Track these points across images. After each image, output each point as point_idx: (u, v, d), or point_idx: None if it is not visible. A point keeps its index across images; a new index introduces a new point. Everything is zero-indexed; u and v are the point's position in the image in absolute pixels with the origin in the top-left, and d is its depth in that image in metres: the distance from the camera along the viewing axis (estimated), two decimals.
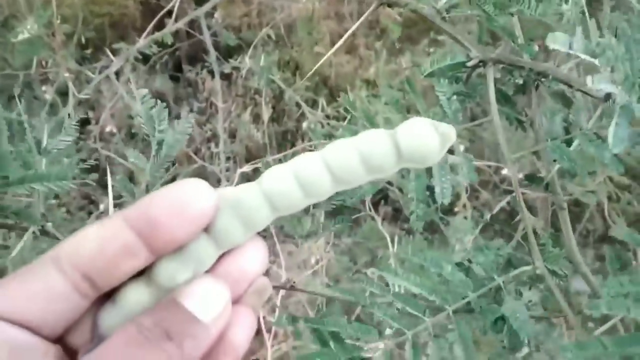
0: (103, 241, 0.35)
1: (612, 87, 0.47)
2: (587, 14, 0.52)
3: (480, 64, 0.63)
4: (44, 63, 2.16)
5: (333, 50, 0.69)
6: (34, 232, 0.56)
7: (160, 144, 0.58)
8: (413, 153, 0.35)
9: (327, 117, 2.41)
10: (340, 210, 0.79)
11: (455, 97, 0.61)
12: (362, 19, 0.68)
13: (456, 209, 2.04)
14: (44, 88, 2.02)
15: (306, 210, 0.73)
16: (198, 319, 0.35)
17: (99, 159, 2.23)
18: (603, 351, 0.40)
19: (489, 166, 2.25)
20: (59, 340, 0.37)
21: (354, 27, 0.68)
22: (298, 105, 2.35)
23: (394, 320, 0.49)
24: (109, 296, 0.37)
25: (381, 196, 2.28)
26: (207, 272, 0.37)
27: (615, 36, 0.47)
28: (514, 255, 0.57)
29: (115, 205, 0.72)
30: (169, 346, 0.34)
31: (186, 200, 0.35)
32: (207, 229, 0.36)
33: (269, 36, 2.37)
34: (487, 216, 1.89)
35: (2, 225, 0.53)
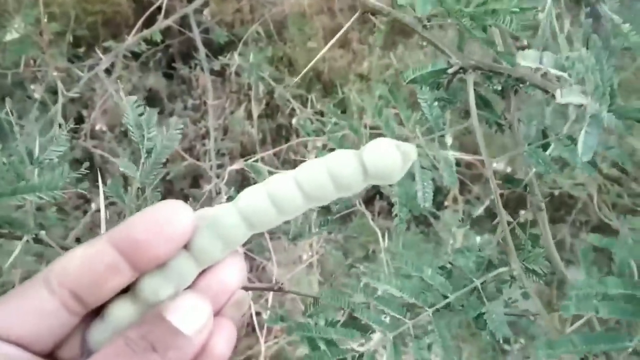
0: (89, 260, 0.38)
1: (581, 99, 0.49)
2: (557, 27, 0.53)
3: (461, 70, 0.65)
4: (33, 62, 2.16)
5: (325, 49, 0.71)
6: (27, 240, 0.58)
7: (149, 152, 0.60)
8: (378, 171, 0.38)
9: (319, 113, 2.42)
10: (332, 207, 0.81)
11: (436, 103, 0.62)
12: (349, 23, 0.70)
13: (446, 203, 2.06)
14: (33, 87, 2.02)
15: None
16: (182, 332, 0.38)
17: (93, 157, 2.24)
18: (572, 349, 0.42)
19: (481, 160, 2.26)
20: (50, 355, 0.39)
21: (344, 28, 0.70)
22: (290, 100, 2.36)
23: (375, 323, 0.51)
24: (97, 313, 0.39)
25: (376, 191, 2.29)
26: (188, 287, 0.39)
27: (586, 47, 0.49)
28: (495, 257, 0.59)
29: (108, 207, 0.74)
30: (154, 357, 0.37)
31: (165, 220, 0.38)
32: (187, 247, 0.39)
33: (258, 32, 2.38)
34: (477, 210, 1.91)
35: None
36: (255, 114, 2.49)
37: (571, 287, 0.43)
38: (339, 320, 0.57)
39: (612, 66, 0.48)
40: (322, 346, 0.52)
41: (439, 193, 2.43)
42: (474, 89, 0.65)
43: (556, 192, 2.09)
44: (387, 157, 0.38)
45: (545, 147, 0.60)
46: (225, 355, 0.40)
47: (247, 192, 0.40)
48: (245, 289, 0.58)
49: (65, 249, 0.61)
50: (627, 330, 0.44)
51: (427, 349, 0.50)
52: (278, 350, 2.10)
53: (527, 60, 0.51)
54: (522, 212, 0.61)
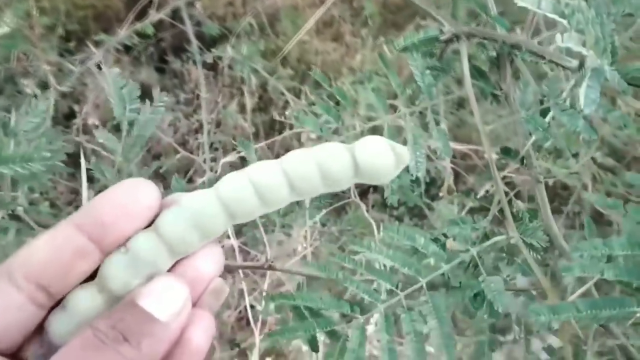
0: (55, 247, 0.36)
1: (581, 49, 0.47)
2: None
3: (454, 38, 0.63)
4: (24, 56, 2.13)
5: (308, 26, 0.69)
6: (2, 217, 0.55)
7: (131, 124, 0.57)
8: (369, 170, 0.36)
9: (313, 104, 2.40)
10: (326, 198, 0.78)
11: (428, 71, 0.60)
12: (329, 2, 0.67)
13: (441, 194, 2.04)
14: (25, 82, 1.99)
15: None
16: (156, 318, 0.35)
17: (86, 152, 2.21)
18: (577, 314, 0.40)
19: (476, 151, 2.25)
20: (15, 355, 0.37)
21: (327, 5, 0.68)
22: (283, 93, 2.34)
23: (366, 293, 0.49)
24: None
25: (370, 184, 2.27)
26: None
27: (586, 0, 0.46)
28: (491, 230, 0.57)
29: (94, 189, 0.71)
30: (125, 348, 0.34)
31: (129, 198, 0.36)
32: (162, 235, 0.37)
33: (251, 25, 2.36)
34: (470, 200, 1.89)
35: None
36: (248, 107, 2.47)
37: (574, 249, 0.41)
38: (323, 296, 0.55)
39: (612, 22, 0.46)
40: (309, 317, 0.49)
41: (434, 184, 2.41)
42: (468, 59, 0.62)
43: (550, 182, 2.08)
44: (381, 157, 0.36)
45: (543, 114, 0.58)
46: (204, 346, 0.37)
47: (229, 178, 0.37)
48: (237, 267, 0.56)
49: (43, 226, 0.59)
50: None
51: (420, 321, 0.48)
52: (272, 344, 2.08)
53: (525, 1, 0.49)
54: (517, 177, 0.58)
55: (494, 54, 0.63)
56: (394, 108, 0.66)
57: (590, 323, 0.40)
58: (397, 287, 0.50)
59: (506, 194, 0.56)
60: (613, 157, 2.02)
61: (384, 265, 0.52)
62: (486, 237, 0.55)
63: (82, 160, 0.60)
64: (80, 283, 0.37)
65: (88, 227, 0.36)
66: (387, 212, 2.42)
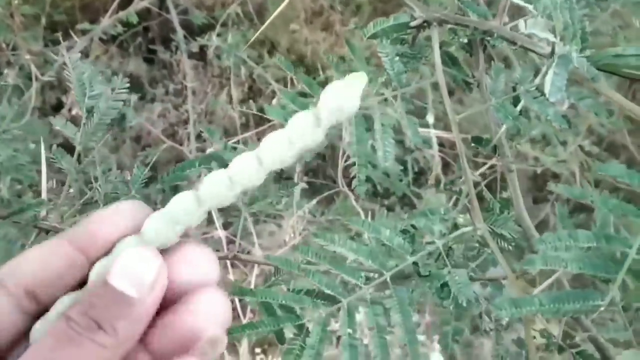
0: (45, 256, 0.36)
1: (547, 35, 0.45)
2: None
3: (425, 24, 0.61)
4: (6, 46, 2.10)
5: (278, 9, 0.67)
6: None
7: (90, 111, 0.55)
8: (330, 106, 0.38)
9: (302, 94, 2.37)
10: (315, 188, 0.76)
11: (398, 58, 0.58)
12: None
13: (429, 183, 2.03)
14: (6, 71, 1.97)
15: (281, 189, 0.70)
16: (129, 297, 0.34)
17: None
18: (539, 308, 0.38)
19: (465, 139, 2.23)
20: (3, 358, 0.36)
21: None
22: (271, 83, 2.32)
23: (328, 288, 0.47)
24: None
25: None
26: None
27: None
28: (466, 220, 0.55)
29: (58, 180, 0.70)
30: (100, 336, 0.33)
31: (118, 212, 0.38)
32: (144, 236, 0.37)
33: (238, 15, 2.33)
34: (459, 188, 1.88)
35: None
36: (235, 97, 2.45)
37: (539, 241, 0.40)
38: (301, 290, 0.53)
39: (584, 6, 0.45)
40: (279, 311, 0.48)
41: (423, 173, 2.40)
42: (440, 47, 0.61)
43: (539, 170, 2.07)
44: (335, 90, 0.38)
45: (516, 102, 0.56)
46: None
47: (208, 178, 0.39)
48: None
49: (3, 217, 0.57)
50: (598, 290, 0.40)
51: (384, 315, 0.47)
52: (262, 335, 2.07)
53: None
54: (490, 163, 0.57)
55: (465, 40, 0.61)
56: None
57: (555, 317, 0.38)
58: (361, 281, 0.48)
59: (477, 184, 0.55)
60: (600, 146, 2.02)
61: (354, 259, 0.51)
62: (456, 228, 0.53)
63: (42, 149, 0.58)
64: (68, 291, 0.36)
65: (77, 238, 0.37)
66: (377, 202, 2.41)
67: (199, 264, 0.37)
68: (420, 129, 0.62)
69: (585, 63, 0.45)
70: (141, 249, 0.35)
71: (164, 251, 0.37)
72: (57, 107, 2.41)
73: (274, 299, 0.48)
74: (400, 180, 2.21)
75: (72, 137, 0.54)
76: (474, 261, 0.57)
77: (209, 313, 0.37)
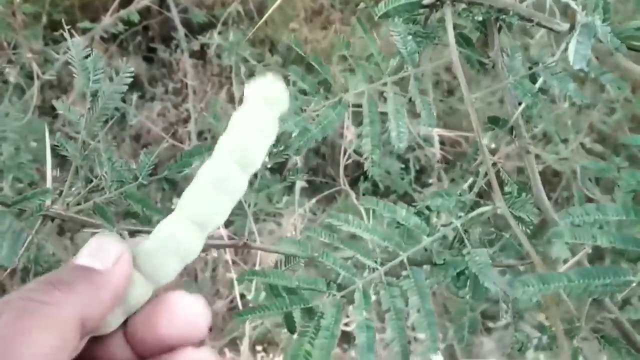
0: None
1: (571, 2, 0.44)
2: None
3: (438, 3, 0.60)
4: (7, 45, 2.09)
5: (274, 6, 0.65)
6: None
7: (94, 95, 0.54)
8: (259, 97, 0.36)
9: (302, 92, 2.36)
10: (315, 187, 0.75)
11: (410, 37, 0.57)
12: None
13: (431, 181, 2.02)
14: (7, 70, 1.95)
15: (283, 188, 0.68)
16: (92, 268, 0.32)
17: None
18: (568, 284, 0.37)
19: (466, 138, 2.22)
20: None
21: None
22: None
23: (343, 269, 0.46)
24: None
25: (360, 172, 2.25)
26: None
27: None
28: (477, 203, 0.53)
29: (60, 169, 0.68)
30: (58, 297, 0.30)
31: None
32: (140, 270, 0.35)
33: (239, 13, 2.32)
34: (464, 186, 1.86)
35: None
36: (236, 94, 2.44)
37: (566, 215, 0.38)
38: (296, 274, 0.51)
39: None
40: (285, 295, 0.46)
41: (424, 172, 2.39)
42: (454, 26, 0.59)
43: (540, 168, 2.06)
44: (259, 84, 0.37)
45: (532, 80, 0.54)
46: None
47: (189, 194, 0.37)
48: (211, 246, 0.53)
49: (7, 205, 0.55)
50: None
51: (401, 297, 0.45)
52: (263, 332, 2.06)
53: None
54: (497, 157, 0.55)
55: (480, 19, 0.60)
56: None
57: (583, 295, 0.37)
58: (377, 263, 0.47)
59: (494, 164, 0.53)
60: (602, 143, 2.00)
61: (369, 241, 0.49)
62: (472, 209, 0.51)
63: (47, 137, 0.56)
64: None
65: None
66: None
67: (189, 316, 0.35)
68: (422, 127, 0.61)
69: (608, 33, 0.43)
70: (104, 236, 0.34)
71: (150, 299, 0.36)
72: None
73: (287, 281, 0.46)
74: (402, 179, 2.19)
75: (76, 121, 0.53)
76: (491, 247, 0.55)
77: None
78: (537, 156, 2.03)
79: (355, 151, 2.06)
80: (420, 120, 0.57)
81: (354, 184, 2.33)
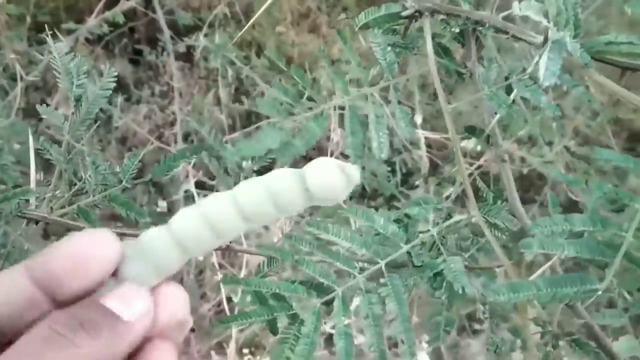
0: (7, 293, 0.34)
1: (541, 18, 0.45)
2: None
3: (417, 14, 0.61)
4: None
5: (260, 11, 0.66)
6: None
7: (78, 99, 0.54)
8: (320, 193, 0.36)
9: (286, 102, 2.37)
10: None
11: (390, 48, 0.58)
12: None
13: (417, 183, 2.03)
14: None
15: None
16: (117, 314, 0.33)
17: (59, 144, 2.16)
18: (537, 292, 0.38)
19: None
20: None
21: None
22: (258, 84, 2.32)
23: (322, 277, 0.47)
24: None
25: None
26: None
27: None
28: (453, 210, 0.55)
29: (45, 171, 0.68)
30: (82, 337, 0.31)
31: (86, 255, 0.34)
32: (117, 276, 0.35)
33: (226, 16, 2.32)
34: (447, 190, 1.88)
35: None
36: (223, 97, 2.44)
37: (535, 225, 0.39)
38: (295, 280, 0.52)
39: None
40: (272, 302, 0.47)
41: (411, 174, 2.40)
42: (433, 37, 0.60)
43: (525, 171, 2.08)
44: (331, 180, 0.36)
45: (508, 91, 0.56)
46: None
47: (181, 214, 0.37)
48: None
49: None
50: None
51: (379, 304, 0.46)
52: (250, 336, 2.06)
53: None
54: (482, 160, 0.56)
55: (457, 30, 0.61)
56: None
57: (552, 302, 0.38)
58: (356, 269, 0.48)
59: (470, 174, 0.54)
60: (586, 146, 2.03)
61: (349, 249, 0.51)
62: (449, 217, 0.53)
63: (30, 141, 0.57)
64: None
65: (40, 277, 0.34)
66: (364, 203, 2.41)
67: (170, 305, 0.36)
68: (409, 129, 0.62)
69: (579, 49, 0.45)
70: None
71: None
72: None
73: (267, 288, 0.47)
74: (389, 181, 2.21)
75: (60, 125, 0.53)
76: (467, 252, 0.57)
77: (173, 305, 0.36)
78: (522, 159, 2.05)
79: (342, 153, 2.07)
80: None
81: None
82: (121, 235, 0.53)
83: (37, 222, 0.53)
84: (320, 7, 3.01)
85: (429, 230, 0.51)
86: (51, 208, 0.53)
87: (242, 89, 2.62)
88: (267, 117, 2.06)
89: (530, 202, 2.26)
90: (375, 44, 0.58)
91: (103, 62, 2.68)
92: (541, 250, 0.39)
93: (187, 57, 2.51)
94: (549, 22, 0.46)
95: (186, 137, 2.51)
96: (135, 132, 2.55)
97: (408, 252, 0.49)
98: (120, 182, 0.56)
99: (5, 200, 0.51)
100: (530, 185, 2.19)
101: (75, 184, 0.54)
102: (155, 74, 2.78)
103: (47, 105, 1.91)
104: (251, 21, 0.73)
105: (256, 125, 2.34)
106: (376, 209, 2.13)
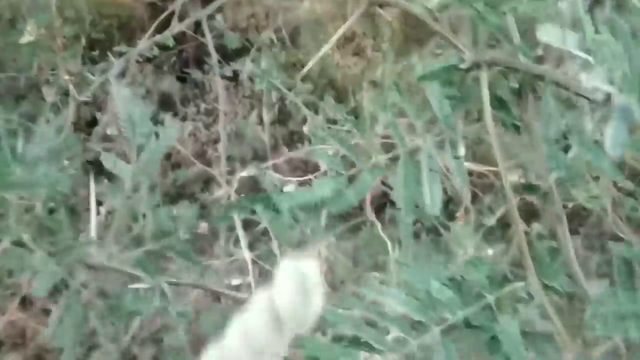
0: None
1: (607, 87, 0.44)
2: (583, 11, 0.49)
3: (475, 66, 0.61)
4: (46, 66, 2.16)
5: (330, 44, 0.67)
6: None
7: (140, 148, 0.55)
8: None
9: (331, 120, 2.38)
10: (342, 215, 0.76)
11: (447, 100, 0.58)
12: (354, 17, 0.66)
13: (457, 214, 2.01)
14: (45, 90, 2.01)
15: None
16: None
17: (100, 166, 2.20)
18: None
19: (494, 171, 2.21)
20: None
21: (347, 25, 0.66)
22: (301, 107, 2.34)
23: (377, 342, 0.46)
24: None
25: (386, 200, 2.25)
26: None
27: (613, 34, 0.44)
28: (510, 270, 0.54)
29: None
30: None
31: None
32: None
33: (271, 39, 2.36)
34: (489, 220, 1.85)
35: None
36: (266, 120, 2.47)
37: (597, 303, 0.38)
38: (344, 336, 0.52)
39: None
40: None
41: (450, 203, 2.37)
42: (489, 89, 0.60)
43: (570, 205, 2.03)
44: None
45: (566, 150, 0.55)
46: None
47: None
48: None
49: (52, 254, 0.57)
50: None
51: None
52: None
53: (549, 36, 0.47)
54: (535, 224, 0.55)
55: (515, 83, 0.60)
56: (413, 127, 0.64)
57: None
58: (410, 335, 0.47)
59: (525, 234, 0.53)
60: (634, 181, 1.98)
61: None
62: (505, 278, 0.52)
63: (91, 184, 0.58)
64: None
65: None
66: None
67: None
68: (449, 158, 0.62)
69: None
70: None
71: None
72: (92, 123, 2.44)
73: (321, 352, 0.46)
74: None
75: (123, 175, 0.55)
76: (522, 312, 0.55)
77: None
78: (568, 193, 2.00)
79: (382, 182, 2.06)
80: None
81: (380, 210, 2.33)
82: (172, 285, 0.54)
83: (97, 269, 0.54)
84: (366, 31, 3.02)
85: (485, 297, 0.50)
86: (109, 255, 0.54)
87: (286, 110, 2.64)
88: (310, 141, 2.07)
89: (573, 234, 2.21)
90: (431, 96, 0.58)
91: (151, 79, 2.75)
92: (605, 334, 0.38)
93: (233, 76, 2.54)
94: (613, 85, 0.45)
95: (229, 156, 2.53)
96: (179, 150, 2.59)
97: (465, 317, 0.48)
98: (176, 230, 0.56)
99: (68, 249, 0.52)
100: (574, 215, 2.14)
101: (132, 230, 0.55)
102: (202, 92, 2.83)
103: (97, 120, 1.96)
104: (316, 57, 0.74)
105: (299, 151, 2.35)
106: (415, 235, 2.10)
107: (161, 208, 0.55)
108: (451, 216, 2.27)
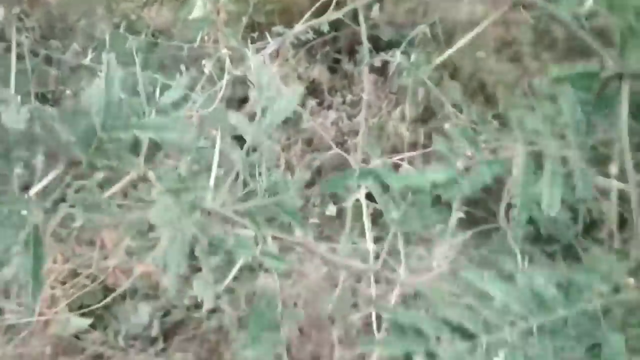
0: None
1: None
2: None
3: (617, 76, 0.57)
4: (208, 39, 2.29)
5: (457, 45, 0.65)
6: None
7: (264, 110, 0.58)
8: None
9: (475, 122, 2.32)
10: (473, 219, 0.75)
11: (580, 106, 0.55)
12: (491, 18, 0.64)
13: (601, 236, 1.88)
14: (203, 62, 2.14)
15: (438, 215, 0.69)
16: None
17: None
18: None
19: None
20: None
21: (483, 25, 0.64)
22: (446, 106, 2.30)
23: (471, 323, 0.45)
24: None
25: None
26: None
27: None
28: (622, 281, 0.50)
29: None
30: None
31: None
32: None
33: (425, 34, 2.34)
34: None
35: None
36: (408, 115, 2.46)
37: None
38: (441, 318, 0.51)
39: None
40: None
41: (594, 226, 2.23)
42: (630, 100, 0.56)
43: None
44: None
45: None
46: None
47: None
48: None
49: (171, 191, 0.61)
50: None
51: None
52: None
53: None
54: None
55: None
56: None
57: None
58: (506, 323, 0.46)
59: None
60: None
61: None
62: (618, 290, 0.48)
63: (218, 141, 0.62)
64: None
65: None
66: (538, 247, 2.28)
67: None
68: (601, 178, 0.58)
69: None
70: None
71: None
72: (244, 100, 2.56)
73: (413, 321, 0.46)
74: (568, 229, 2.07)
75: (245, 132, 0.57)
76: (636, 328, 0.51)
77: None
78: None
79: None
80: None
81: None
82: (279, 240, 0.56)
83: (209, 213, 0.58)
84: (526, 38, 2.90)
85: (591, 301, 0.47)
86: (224, 203, 0.57)
87: (430, 107, 2.61)
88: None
89: None
90: (563, 99, 0.55)
91: (304, 65, 2.83)
92: None
93: (382, 70, 2.55)
94: None
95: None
96: (320, 136, 2.66)
97: (565, 318, 0.46)
98: (288, 190, 0.58)
99: (185, 190, 0.56)
100: None
101: (249, 185, 0.58)
102: (349, 83, 2.87)
103: (248, 98, 2.05)
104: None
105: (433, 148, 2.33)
106: (549, 255, 2.01)
107: (274, 169, 0.58)
108: (594, 239, 2.13)
